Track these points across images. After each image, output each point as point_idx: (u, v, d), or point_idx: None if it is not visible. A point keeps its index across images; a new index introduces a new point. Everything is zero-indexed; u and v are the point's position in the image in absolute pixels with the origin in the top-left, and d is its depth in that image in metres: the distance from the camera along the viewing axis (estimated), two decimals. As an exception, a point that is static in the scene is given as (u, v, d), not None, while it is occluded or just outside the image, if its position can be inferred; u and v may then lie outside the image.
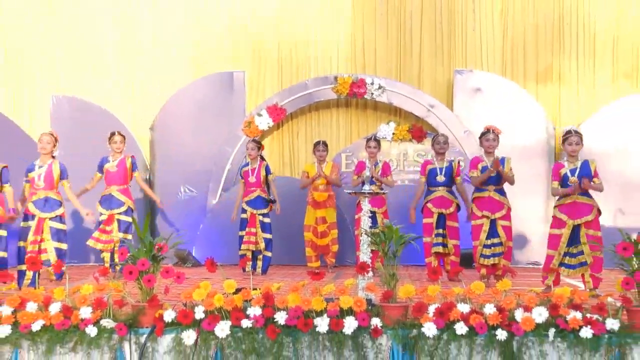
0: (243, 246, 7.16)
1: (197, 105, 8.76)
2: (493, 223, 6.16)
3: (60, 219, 6.20)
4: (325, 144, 7.59)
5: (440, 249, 6.64)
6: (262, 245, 7.16)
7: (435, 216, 6.63)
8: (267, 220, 7.24)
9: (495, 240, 6.15)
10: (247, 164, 7.38)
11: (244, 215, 7.26)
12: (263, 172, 7.25)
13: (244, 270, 7.17)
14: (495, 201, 6.19)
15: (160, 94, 8.93)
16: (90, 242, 6.88)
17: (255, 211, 7.19)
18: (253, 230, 7.15)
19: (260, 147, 7.41)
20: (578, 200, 5.60)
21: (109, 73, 9.13)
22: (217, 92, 8.79)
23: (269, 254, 7.23)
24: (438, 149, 6.82)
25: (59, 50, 9.10)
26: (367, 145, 7.34)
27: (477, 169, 6.25)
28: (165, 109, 8.84)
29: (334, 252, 7.59)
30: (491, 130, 6.26)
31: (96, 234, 6.87)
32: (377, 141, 7.41)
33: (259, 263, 7.20)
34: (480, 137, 6.36)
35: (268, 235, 7.22)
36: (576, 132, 5.76)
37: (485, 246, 6.15)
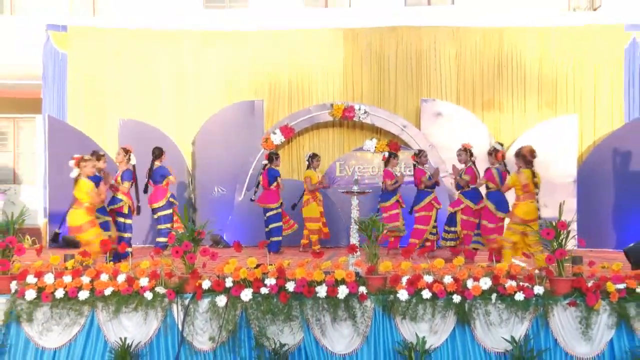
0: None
1: (227, 126, 8.72)
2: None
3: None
4: (318, 156, 7.59)
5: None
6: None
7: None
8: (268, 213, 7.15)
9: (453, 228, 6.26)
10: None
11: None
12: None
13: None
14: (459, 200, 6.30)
15: (199, 117, 8.89)
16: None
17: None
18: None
19: (277, 157, 7.38)
20: None
21: (161, 100, 9.09)
22: (242, 116, 8.74)
23: (276, 238, 7.13)
24: (424, 160, 6.97)
25: (126, 82, 9.04)
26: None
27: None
28: (203, 128, 8.80)
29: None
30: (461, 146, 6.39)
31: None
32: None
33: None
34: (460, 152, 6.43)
35: (271, 225, 7.13)
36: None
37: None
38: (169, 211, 6.74)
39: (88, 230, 5.03)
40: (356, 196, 4.64)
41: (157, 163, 6.79)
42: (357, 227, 4.32)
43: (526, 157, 5.24)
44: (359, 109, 8.50)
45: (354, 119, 8.55)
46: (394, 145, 8.47)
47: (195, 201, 8.72)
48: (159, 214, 6.72)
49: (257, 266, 4.09)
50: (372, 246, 4.09)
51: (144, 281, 3.99)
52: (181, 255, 4.06)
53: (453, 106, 8.61)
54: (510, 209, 5.48)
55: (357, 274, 4.05)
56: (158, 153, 6.82)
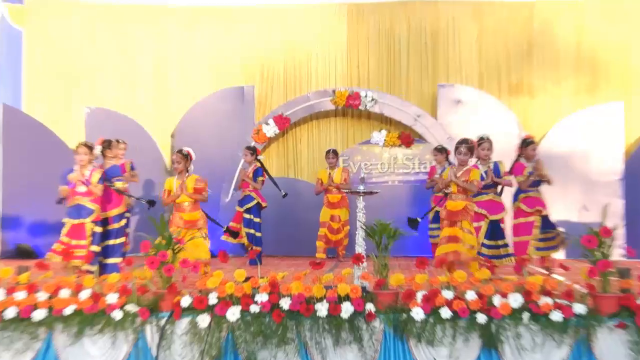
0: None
1: (212, 116, 8.68)
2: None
3: None
4: (335, 153, 7.54)
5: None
6: (245, 240, 7.09)
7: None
8: (248, 216, 7.13)
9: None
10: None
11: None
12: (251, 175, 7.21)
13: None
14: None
15: (180, 106, 8.86)
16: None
17: (240, 208, 7.19)
18: (237, 225, 7.14)
19: (254, 152, 7.33)
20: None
21: (137, 86, 9.06)
22: (230, 104, 8.71)
23: (259, 249, 7.09)
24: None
25: (95, 65, 8.99)
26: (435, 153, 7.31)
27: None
28: (184, 119, 8.77)
29: (345, 245, 7.54)
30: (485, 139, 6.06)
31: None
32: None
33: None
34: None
35: (251, 231, 7.10)
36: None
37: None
38: (123, 222, 6.30)
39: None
40: (362, 197, 4.58)
41: (107, 160, 6.43)
42: (364, 233, 4.24)
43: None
44: (366, 96, 8.45)
45: (360, 107, 8.50)
46: (406, 138, 8.40)
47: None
48: (114, 225, 6.22)
49: (246, 279, 4.04)
50: (382, 255, 4.01)
51: (112, 298, 3.92)
52: (157, 267, 3.99)
53: (475, 92, 8.55)
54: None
55: (363, 288, 3.99)
56: (106, 145, 6.42)
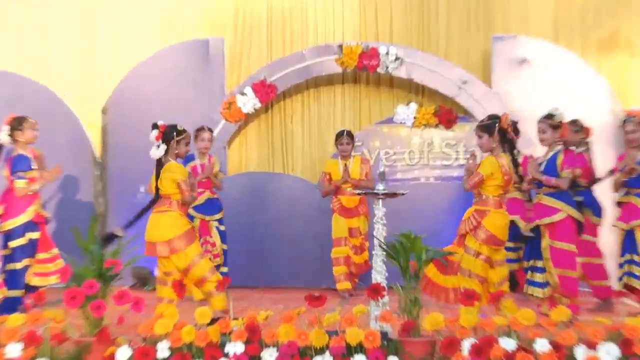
0: None
1: (162, 82, 8.70)
2: None
3: None
4: (350, 136, 7.58)
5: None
6: (221, 259, 7.25)
7: None
8: (222, 227, 7.33)
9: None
10: (193, 158, 7.36)
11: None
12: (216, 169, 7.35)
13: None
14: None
15: (114, 70, 8.90)
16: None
17: (207, 217, 7.26)
18: (211, 239, 7.22)
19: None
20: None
21: (50, 41, 9.11)
22: (188, 65, 8.74)
23: (225, 269, 7.25)
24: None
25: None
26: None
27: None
28: (121, 87, 8.79)
29: (363, 271, 7.52)
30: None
31: None
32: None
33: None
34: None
35: (225, 246, 7.31)
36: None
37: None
38: (34, 236, 6.35)
39: (187, 246, 5.48)
40: (382, 201, 4.58)
41: (18, 147, 6.44)
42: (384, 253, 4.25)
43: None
44: (387, 54, 8.47)
45: (379, 70, 8.53)
46: (446, 114, 8.42)
47: (107, 209, 8.70)
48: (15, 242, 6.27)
49: (213, 321, 4.08)
50: (410, 286, 4.02)
51: (13, 350, 3.91)
52: (81, 304, 3.99)
53: (548, 46, 8.57)
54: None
55: (384, 334, 4.02)
56: (16, 124, 6.41)
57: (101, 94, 8.87)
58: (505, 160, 5.46)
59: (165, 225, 5.51)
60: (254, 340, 3.93)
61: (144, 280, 8.07)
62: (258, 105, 8.61)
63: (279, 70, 8.64)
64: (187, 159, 7.19)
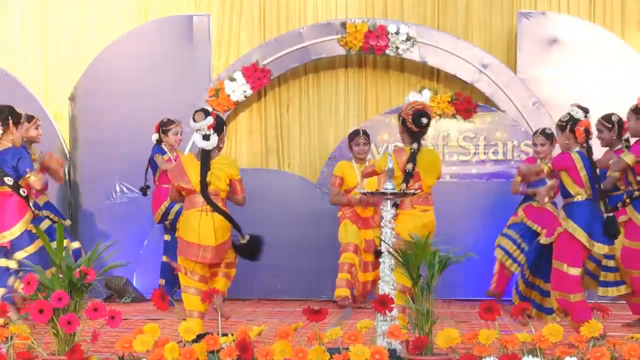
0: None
1: (138, 65, 8.74)
2: None
3: None
4: (367, 135, 7.58)
5: None
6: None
7: None
8: None
9: None
10: (162, 151, 7.49)
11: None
12: None
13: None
14: None
15: (83, 52, 8.94)
16: None
17: None
18: None
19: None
20: None
21: (16, 22, 9.15)
22: (169, 46, 8.77)
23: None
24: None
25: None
26: None
27: None
28: (91, 70, 8.80)
29: (369, 290, 7.56)
30: None
31: None
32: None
33: None
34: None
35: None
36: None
37: None
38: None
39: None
40: (390, 202, 4.63)
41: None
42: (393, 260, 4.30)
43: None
44: (397, 32, 8.50)
45: (388, 51, 8.56)
46: (464, 103, 8.45)
47: (76, 211, 8.76)
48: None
49: (199, 338, 4.09)
50: (422, 297, 4.08)
51: (-26, 369, 3.97)
52: (49, 319, 4.04)
53: (583, 24, 8.61)
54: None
55: (392, 352, 4.06)
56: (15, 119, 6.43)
57: (68, 79, 8.91)
58: None
59: (224, 227, 5.64)
60: (246, 359, 3.94)
61: (120, 291, 8.08)
62: (249, 92, 8.63)
63: (273, 52, 8.65)
64: (154, 151, 7.38)
